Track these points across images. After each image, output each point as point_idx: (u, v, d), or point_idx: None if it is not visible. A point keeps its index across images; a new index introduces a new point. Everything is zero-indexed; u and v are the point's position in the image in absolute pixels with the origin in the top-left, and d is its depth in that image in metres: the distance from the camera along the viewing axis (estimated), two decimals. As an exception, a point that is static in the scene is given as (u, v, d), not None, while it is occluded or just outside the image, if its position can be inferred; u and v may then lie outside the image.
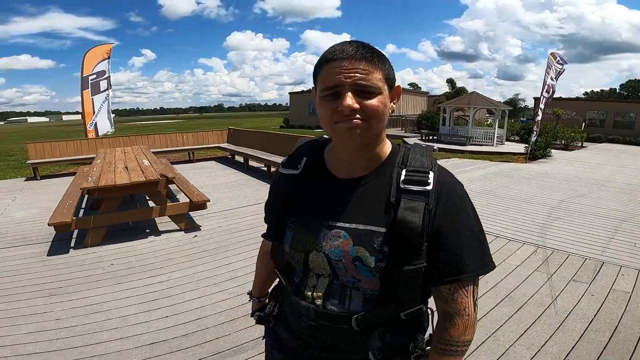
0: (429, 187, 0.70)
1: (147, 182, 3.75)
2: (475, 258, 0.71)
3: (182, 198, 4.90)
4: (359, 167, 0.76)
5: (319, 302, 0.75)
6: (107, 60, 10.35)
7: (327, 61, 0.69)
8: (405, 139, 15.28)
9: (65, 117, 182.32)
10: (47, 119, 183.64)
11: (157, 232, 4.12)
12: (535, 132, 10.22)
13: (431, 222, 0.70)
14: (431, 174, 0.71)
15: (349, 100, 0.66)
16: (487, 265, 0.73)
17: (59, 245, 3.77)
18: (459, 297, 0.72)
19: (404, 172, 0.72)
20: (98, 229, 3.72)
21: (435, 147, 0.79)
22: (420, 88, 49.33)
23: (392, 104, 0.74)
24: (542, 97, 10.40)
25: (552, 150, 10.90)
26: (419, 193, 0.69)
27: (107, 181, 3.63)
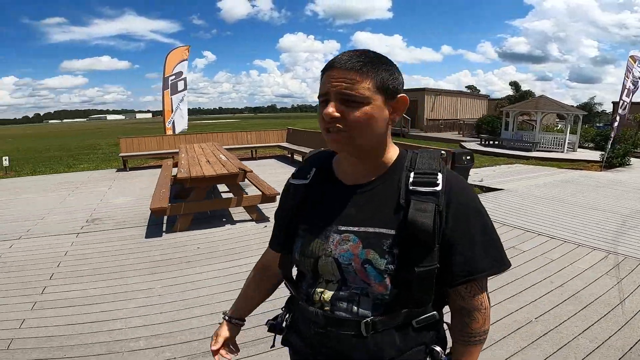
0: (438, 188, 0.70)
1: (229, 174, 4.24)
2: (490, 258, 0.72)
3: (251, 192, 5.33)
4: (365, 174, 0.77)
5: (327, 307, 0.75)
6: (184, 62, 11.34)
7: (324, 69, 0.72)
8: (462, 143, 14.86)
9: (138, 116, 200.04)
10: (123, 117, 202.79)
11: (232, 221, 4.58)
12: (611, 139, 9.48)
13: (442, 224, 0.70)
14: (439, 175, 0.72)
15: (330, 108, 0.68)
16: (502, 264, 0.74)
17: (154, 229, 4.32)
18: (475, 294, 0.75)
19: (412, 174, 0.73)
20: (186, 215, 4.25)
21: (442, 152, 0.79)
22: (479, 91, 46.93)
23: (394, 114, 0.73)
24: (621, 101, 9.62)
25: (632, 159, 10.01)
26: (429, 194, 0.70)
27: (197, 172, 4.16)
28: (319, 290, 0.77)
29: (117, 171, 8.85)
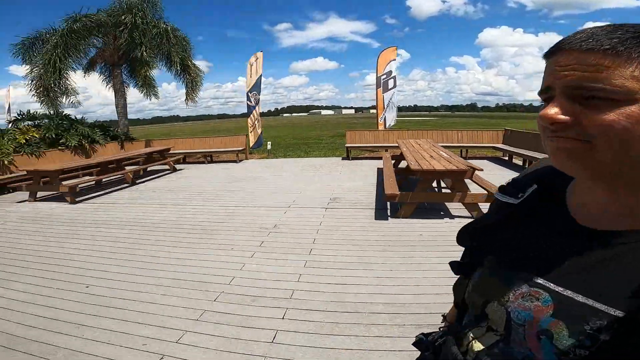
0: None
1: (457, 170, 4.39)
2: None
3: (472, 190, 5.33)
4: (616, 214, 0.49)
5: (469, 357, 0.58)
6: (393, 62, 12.10)
7: (547, 53, 0.49)
8: None
9: (343, 111, 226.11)
10: (332, 112, 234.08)
11: (450, 216, 4.70)
12: None
13: None
14: None
15: (552, 109, 0.45)
16: None
17: (381, 212, 4.92)
18: None
19: None
20: (411, 204, 4.66)
21: None
22: None
23: None
24: None
25: None
26: None
27: (427, 166, 4.51)
28: (473, 334, 0.59)
29: (342, 159, 10.47)
